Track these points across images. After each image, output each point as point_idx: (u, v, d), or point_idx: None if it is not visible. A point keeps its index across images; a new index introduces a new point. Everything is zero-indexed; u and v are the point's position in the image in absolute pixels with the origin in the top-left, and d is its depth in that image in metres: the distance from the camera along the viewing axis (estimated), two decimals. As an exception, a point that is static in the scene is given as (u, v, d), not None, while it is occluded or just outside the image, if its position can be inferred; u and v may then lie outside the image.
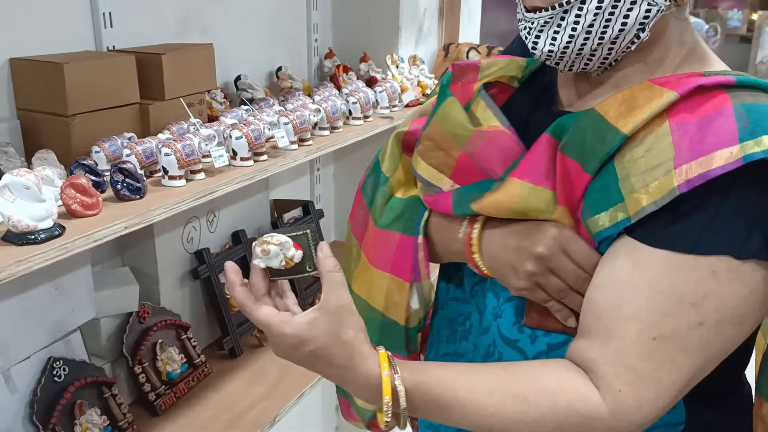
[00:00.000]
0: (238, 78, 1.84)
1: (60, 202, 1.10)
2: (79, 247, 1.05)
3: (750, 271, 0.69)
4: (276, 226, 1.95)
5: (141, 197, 1.22)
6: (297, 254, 0.76)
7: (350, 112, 1.79)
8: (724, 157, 0.67)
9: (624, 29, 0.73)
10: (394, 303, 0.88)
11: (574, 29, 0.74)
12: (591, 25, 0.73)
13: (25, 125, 1.34)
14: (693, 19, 4.70)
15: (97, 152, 1.30)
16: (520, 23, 0.79)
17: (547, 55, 0.77)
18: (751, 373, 0.88)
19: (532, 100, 0.88)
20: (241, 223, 1.86)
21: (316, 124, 1.65)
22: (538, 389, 0.73)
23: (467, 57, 2.35)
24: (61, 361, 1.34)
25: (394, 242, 0.88)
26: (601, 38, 0.74)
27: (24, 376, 1.30)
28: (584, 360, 0.74)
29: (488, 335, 0.84)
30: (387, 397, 0.72)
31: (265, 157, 1.47)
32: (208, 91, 1.67)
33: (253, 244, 0.78)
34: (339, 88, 1.97)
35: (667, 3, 0.73)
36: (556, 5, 0.74)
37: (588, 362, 0.73)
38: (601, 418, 0.71)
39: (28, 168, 1.24)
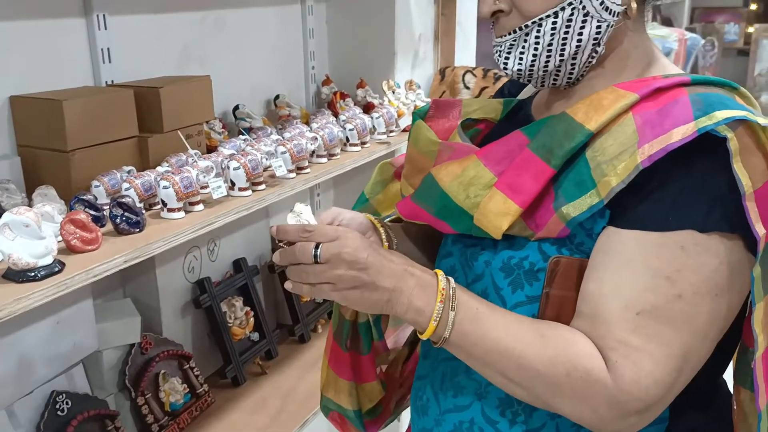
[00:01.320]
0: (236, 107, 1.87)
1: (60, 238, 1.11)
2: (79, 283, 1.06)
3: (715, 242, 0.73)
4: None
5: (140, 230, 1.23)
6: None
7: (347, 139, 1.81)
8: (680, 133, 0.73)
9: (581, 45, 0.82)
10: None
11: (536, 49, 0.83)
12: (550, 44, 0.82)
13: (26, 161, 1.35)
14: (689, 35, 4.72)
15: (96, 186, 1.32)
16: (493, 49, 0.88)
17: (518, 74, 0.86)
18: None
19: (511, 126, 0.94)
20: (242, 251, 1.87)
21: (313, 152, 1.66)
22: (556, 333, 0.79)
23: (463, 80, 2.37)
24: (63, 395, 1.35)
25: None
26: (562, 55, 0.82)
27: (27, 411, 1.30)
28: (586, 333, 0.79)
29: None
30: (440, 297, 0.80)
31: (263, 186, 1.48)
32: (207, 122, 1.69)
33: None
34: (336, 114, 1.99)
35: (616, 18, 0.80)
36: (517, 29, 0.83)
37: (587, 333, 0.78)
38: (603, 382, 0.75)
39: (29, 204, 1.25)
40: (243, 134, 1.73)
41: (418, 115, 1.00)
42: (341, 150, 1.79)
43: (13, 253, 1.00)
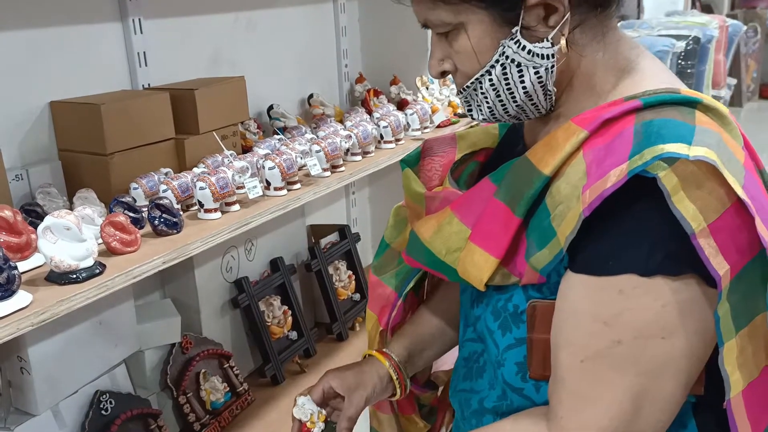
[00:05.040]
0: (271, 107, 1.88)
1: (100, 240, 1.13)
2: (119, 285, 1.07)
3: (658, 285, 0.69)
4: (313, 251, 1.96)
5: (178, 232, 1.24)
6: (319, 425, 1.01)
7: (382, 136, 1.80)
8: (615, 176, 0.69)
9: (527, 90, 0.80)
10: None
11: (487, 101, 0.83)
12: (498, 95, 0.81)
13: (66, 165, 1.38)
14: (731, 21, 4.60)
15: (135, 189, 1.34)
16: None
17: (484, 121, 0.87)
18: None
19: (506, 152, 0.94)
20: (278, 250, 1.88)
21: (348, 150, 1.66)
22: None
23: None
24: (107, 395, 1.37)
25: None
26: (515, 101, 0.81)
27: (72, 411, 1.33)
28: (549, 394, 0.79)
29: (498, 382, 0.87)
30: None
31: (298, 185, 1.48)
32: (242, 122, 1.70)
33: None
34: (370, 112, 1.99)
35: (552, 61, 0.78)
36: (464, 88, 0.84)
37: (549, 397, 0.78)
38: None
39: (70, 207, 1.28)
40: (278, 134, 1.73)
41: (406, 163, 1.02)
42: (375, 147, 1.78)
43: (55, 256, 1.02)
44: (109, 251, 1.13)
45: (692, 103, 0.75)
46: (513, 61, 0.78)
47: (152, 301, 1.61)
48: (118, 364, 1.43)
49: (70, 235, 1.03)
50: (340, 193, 2.30)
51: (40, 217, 1.17)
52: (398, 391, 1.05)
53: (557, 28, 0.76)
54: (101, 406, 1.36)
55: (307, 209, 2.03)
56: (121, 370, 1.44)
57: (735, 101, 5.41)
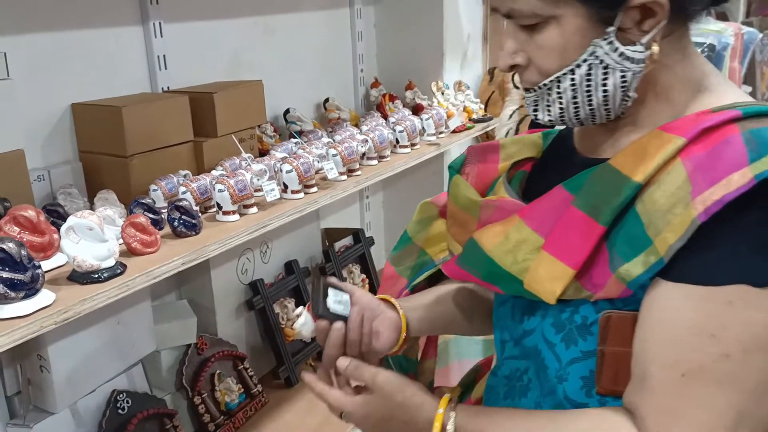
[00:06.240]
0: (287, 111, 1.89)
1: (121, 241, 1.14)
2: (140, 285, 1.08)
3: None
4: (327, 254, 1.97)
5: (197, 233, 1.25)
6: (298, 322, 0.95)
7: (397, 141, 1.81)
8: (736, 180, 0.67)
9: (607, 94, 0.77)
10: None
11: (560, 102, 0.79)
12: (575, 98, 0.78)
13: (87, 167, 1.40)
14: (746, 29, 4.57)
15: (154, 190, 1.35)
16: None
17: (549, 123, 0.83)
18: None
19: (555, 161, 0.92)
20: (293, 253, 1.89)
21: (364, 154, 1.67)
22: (574, 430, 0.75)
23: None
24: (124, 394, 1.38)
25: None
26: (590, 105, 0.78)
27: (90, 410, 1.34)
28: (628, 404, 0.74)
29: (554, 397, 0.82)
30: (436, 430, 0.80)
31: (315, 188, 1.49)
32: (259, 126, 1.71)
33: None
34: (386, 116, 2.00)
35: (642, 66, 0.75)
36: (537, 87, 0.79)
37: (631, 406, 0.73)
38: None
39: (91, 208, 1.29)
40: (294, 137, 1.75)
41: (454, 169, 0.97)
42: (391, 152, 1.79)
43: (77, 256, 1.03)
44: (129, 252, 1.15)
45: None
46: (601, 62, 0.75)
47: (169, 302, 1.63)
48: (135, 364, 1.45)
49: (92, 236, 1.05)
50: (355, 197, 2.31)
51: (62, 217, 1.19)
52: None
53: (651, 33, 0.74)
54: (118, 405, 1.37)
55: (322, 213, 2.04)
56: (137, 370, 1.46)
57: (750, 109, 5.37)
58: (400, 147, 1.82)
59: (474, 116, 2.22)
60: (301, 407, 1.70)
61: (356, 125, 1.92)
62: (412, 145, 1.84)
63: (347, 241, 2.10)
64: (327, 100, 2.02)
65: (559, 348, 0.80)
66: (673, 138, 0.72)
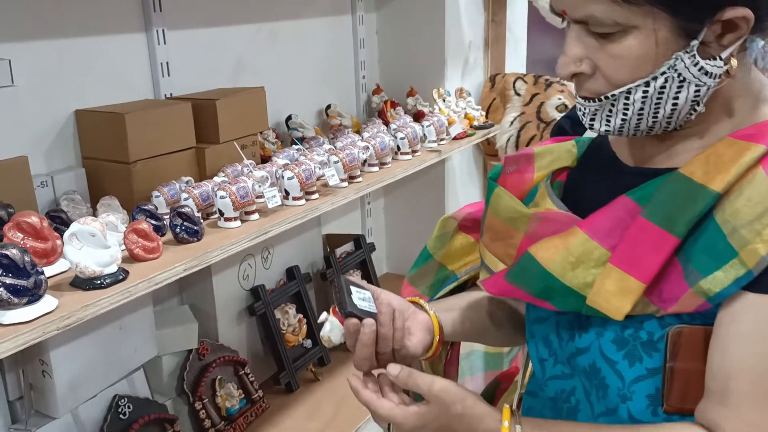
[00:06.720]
0: (289, 117, 1.90)
1: (123, 247, 1.15)
2: (142, 291, 1.09)
3: None
4: (328, 260, 1.98)
5: (198, 239, 1.26)
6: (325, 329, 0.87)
7: (398, 147, 1.82)
8: None
9: (677, 107, 0.74)
10: None
11: (625, 114, 0.75)
12: (641, 109, 0.74)
13: (90, 173, 1.41)
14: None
15: (157, 197, 1.36)
16: (576, 105, 0.80)
17: (606, 133, 0.79)
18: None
19: (594, 170, 0.88)
20: (295, 259, 1.90)
21: (365, 160, 1.68)
22: None
23: (514, 87, 2.36)
24: (125, 399, 1.39)
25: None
26: (655, 117, 0.75)
27: (91, 415, 1.35)
28: (707, 421, 0.72)
29: (614, 417, 0.80)
30: None
31: (316, 195, 1.50)
32: (261, 132, 1.72)
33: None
34: (387, 123, 2.00)
35: (717, 80, 0.72)
36: (603, 98, 0.75)
37: (710, 423, 0.72)
38: None
39: (93, 214, 1.30)
40: (296, 144, 1.76)
41: (493, 179, 0.92)
42: (392, 158, 1.80)
43: (80, 262, 1.04)
44: (131, 258, 1.15)
45: None
46: (680, 75, 0.72)
47: (170, 308, 1.64)
48: (136, 369, 1.45)
49: (95, 242, 1.05)
50: (356, 204, 2.31)
51: (65, 223, 1.20)
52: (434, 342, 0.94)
53: (732, 47, 0.72)
54: (119, 410, 1.38)
55: (323, 219, 2.04)
56: (139, 375, 1.46)
57: (751, 116, 5.37)
58: (402, 154, 1.83)
59: (475, 123, 2.23)
60: (302, 413, 1.70)
61: (358, 132, 1.93)
62: (414, 151, 1.85)
63: (348, 247, 2.10)
64: (329, 106, 2.03)
65: (621, 365, 0.77)
66: (751, 146, 0.70)
